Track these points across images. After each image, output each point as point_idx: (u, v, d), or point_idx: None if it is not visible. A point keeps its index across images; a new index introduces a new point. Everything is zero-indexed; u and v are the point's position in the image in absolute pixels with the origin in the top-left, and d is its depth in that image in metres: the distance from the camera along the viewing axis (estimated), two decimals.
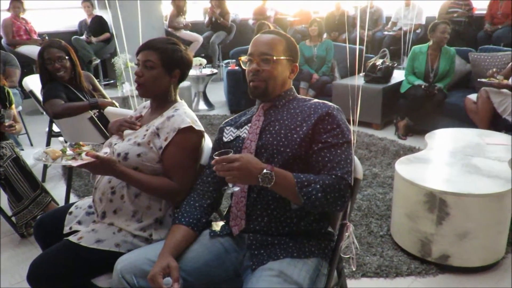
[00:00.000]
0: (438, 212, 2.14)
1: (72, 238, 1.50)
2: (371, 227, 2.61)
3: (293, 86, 1.56)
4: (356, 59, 2.82)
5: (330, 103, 1.45)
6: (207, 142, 1.72)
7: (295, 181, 1.26)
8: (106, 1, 3.29)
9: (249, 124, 1.49)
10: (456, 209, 2.11)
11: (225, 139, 1.54)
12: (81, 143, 1.57)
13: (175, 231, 1.42)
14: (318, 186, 1.26)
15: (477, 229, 2.13)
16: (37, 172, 3.23)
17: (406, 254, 2.34)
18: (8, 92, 2.77)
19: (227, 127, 1.57)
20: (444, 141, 2.88)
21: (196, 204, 1.49)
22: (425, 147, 2.83)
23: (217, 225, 1.50)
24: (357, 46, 3.21)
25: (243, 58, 1.50)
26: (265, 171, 1.22)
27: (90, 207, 1.69)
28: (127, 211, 1.56)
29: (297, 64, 1.53)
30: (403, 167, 2.40)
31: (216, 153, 1.26)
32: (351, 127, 1.46)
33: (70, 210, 1.71)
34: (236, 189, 1.30)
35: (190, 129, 1.55)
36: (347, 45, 4.52)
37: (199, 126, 1.59)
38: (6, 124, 2.51)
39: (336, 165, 1.31)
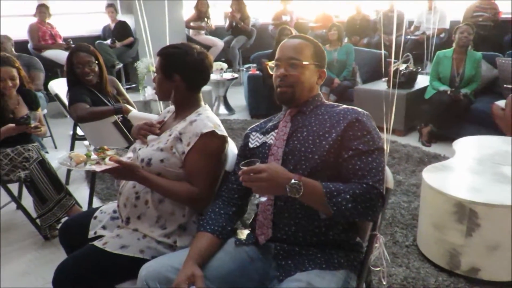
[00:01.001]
0: (467, 223, 2.07)
1: (97, 243, 1.50)
2: (396, 236, 2.55)
3: (320, 92, 1.53)
4: (382, 64, 2.73)
5: (360, 109, 1.41)
6: (231, 148, 1.70)
7: (324, 191, 1.23)
8: (137, 1, 3.28)
9: (276, 130, 1.46)
10: (486, 220, 2.04)
11: (251, 145, 1.51)
12: (105, 147, 1.58)
13: (200, 238, 1.40)
14: (348, 196, 1.22)
15: (509, 242, 2.05)
16: (61, 175, 3.27)
17: (433, 265, 2.27)
18: (35, 95, 2.82)
19: (253, 133, 1.54)
20: (472, 148, 2.80)
21: (221, 212, 1.47)
22: (453, 155, 2.76)
23: (243, 233, 1.48)
24: (382, 51, 3.12)
25: (270, 63, 1.48)
26: (293, 181, 1.19)
27: (114, 212, 1.69)
28: (151, 217, 1.55)
29: (325, 70, 1.50)
30: (431, 175, 2.34)
31: (242, 163, 1.24)
32: (384, 135, 1.42)
33: (95, 215, 1.71)
34: (263, 199, 1.29)
35: (212, 133, 1.53)
36: (369, 49, 4.46)
37: (222, 131, 1.58)
38: (32, 125, 2.54)
39: (367, 173, 1.27)
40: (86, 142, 1.62)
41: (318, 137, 1.35)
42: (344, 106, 1.44)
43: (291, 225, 1.35)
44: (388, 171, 1.41)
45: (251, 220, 1.52)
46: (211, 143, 1.54)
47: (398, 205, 2.93)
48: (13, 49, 4.43)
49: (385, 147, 1.36)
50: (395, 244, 2.49)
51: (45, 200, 2.55)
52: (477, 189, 2.17)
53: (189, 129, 1.55)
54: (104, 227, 1.65)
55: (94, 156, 1.52)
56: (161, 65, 1.63)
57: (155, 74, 1.66)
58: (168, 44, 2.90)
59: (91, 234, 1.64)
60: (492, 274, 2.11)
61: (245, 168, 1.21)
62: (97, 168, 1.42)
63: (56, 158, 1.59)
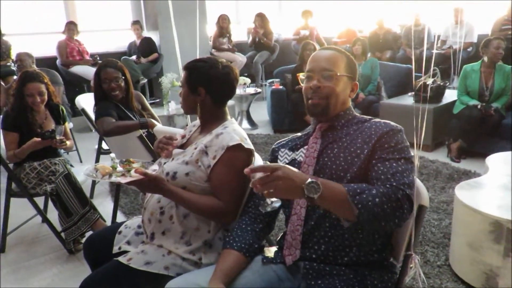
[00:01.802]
0: (505, 243, 1.96)
1: (121, 259, 1.47)
2: (427, 256, 2.44)
3: (351, 105, 1.47)
4: (412, 79, 2.66)
5: (393, 123, 1.34)
6: (258, 162, 1.66)
7: (345, 189, 1.15)
8: (171, 18, 3.34)
9: (306, 147, 1.41)
10: None
11: (279, 162, 1.46)
12: (131, 159, 1.57)
13: (226, 256, 1.36)
14: (373, 192, 1.14)
15: None
16: (86, 189, 3.29)
17: (468, 287, 2.16)
18: (62, 110, 2.86)
19: (282, 149, 1.49)
20: (506, 165, 2.68)
21: (248, 228, 1.43)
22: (484, 171, 2.65)
23: (270, 251, 1.43)
24: (412, 65, 3.05)
25: (301, 74, 1.43)
26: (309, 180, 1.10)
27: (139, 227, 1.67)
28: (175, 232, 1.52)
29: (357, 82, 1.44)
30: (464, 193, 2.24)
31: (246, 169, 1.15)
32: (414, 151, 1.35)
33: (119, 230, 1.70)
34: (277, 205, 1.18)
35: (239, 147, 1.50)
36: (394, 63, 4.39)
37: (248, 144, 1.54)
38: (57, 139, 2.56)
39: (390, 176, 1.19)
40: (112, 154, 1.60)
41: (349, 154, 1.30)
42: (377, 119, 1.38)
43: (321, 244, 1.29)
44: (422, 187, 1.35)
45: (279, 238, 1.47)
46: (237, 157, 1.50)
47: (429, 223, 2.82)
48: (33, 65, 4.42)
49: (415, 162, 1.29)
50: (426, 263, 2.38)
51: (70, 214, 2.56)
52: None
53: (215, 142, 1.52)
54: (128, 243, 1.63)
55: (120, 168, 1.51)
56: (186, 78, 1.62)
57: (181, 89, 1.65)
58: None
59: (115, 249, 1.62)
60: None
61: (255, 166, 1.11)
62: (123, 180, 1.41)
63: (82, 171, 1.58)
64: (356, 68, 1.45)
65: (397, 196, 1.14)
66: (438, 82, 4.59)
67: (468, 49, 6.58)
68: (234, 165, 1.50)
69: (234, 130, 1.56)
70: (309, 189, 1.09)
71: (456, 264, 2.27)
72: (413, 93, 4.64)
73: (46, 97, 2.70)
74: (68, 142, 2.67)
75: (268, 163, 1.15)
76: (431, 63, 6.44)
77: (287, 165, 1.13)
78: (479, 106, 3.94)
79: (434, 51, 6.73)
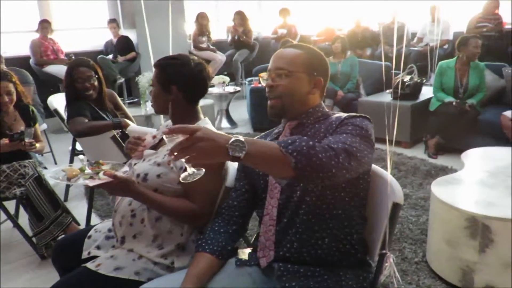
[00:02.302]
0: (481, 239, 1.97)
1: (90, 265, 1.42)
2: (405, 252, 2.45)
3: (322, 102, 1.44)
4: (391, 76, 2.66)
5: (360, 114, 1.31)
6: (232, 162, 1.62)
7: (276, 143, 1.06)
8: (144, 17, 3.27)
9: None
10: (501, 236, 1.94)
11: None
12: (101, 161, 1.51)
13: (199, 259, 1.32)
14: (305, 138, 1.07)
15: None
16: (60, 191, 3.21)
17: (445, 283, 2.16)
18: (32, 111, 2.76)
19: None
20: (482, 160, 2.71)
21: (221, 230, 1.39)
22: (462, 167, 2.67)
23: (244, 253, 1.40)
24: (390, 63, 3.06)
25: (262, 74, 1.41)
26: (233, 139, 0.98)
27: (110, 230, 1.61)
28: (147, 236, 1.47)
29: (321, 78, 1.38)
30: (441, 189, 2.25)
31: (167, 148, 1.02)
32: (387, 147, 1.33)
33: (89, 234, 1.64)
34: (199, 174, 1.06)
35: None
36: (372, 61, 4.41)
37: None
38: (27, 141, 2.48)
39: (333, 139, 1.15)
40: (81, 156, 1.55)
41: None
42: (346, 114, 1.34)
43: (293, 242, 1.26)
44: (396, 184, 1.33)
45: (253, 240, 1.43)
46: None
47: (406, 219, 2.83)
48: (1, 65, 4.19)
49: (388, 157, 1.27)
50: (403, 260, 2.38)
51: (41, 218, 2.48)
52: (490, 203, 2.08)
53: None
54: (98, 247, 1.58)
55: (88, 170, 1.45)
56: (157, 76, 1.57)
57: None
58: None
59: (84, 254, 1.56)
60: None
61: (172, 126, 1.00)
62: (91, 183, 1.35)
63: (49, 174, 1.52)
64: (321, 63, 1.39)
65: (331, 147, 1.09)
66: (415, 79, 4.62)
67: (444, 47, 6.66)
68: (208, 167, 1.45)
69: None
70: (234, 148, 0.98)
71: (433, 261, 2.28)
72: (391, 90, 4.67)
73: (14, 97, 2.61)
74: (38, 145, 2.58)
75: (190, 125, 1.01)
76: (409, 61, 6.52)
77: (207, 128, 1.02)
78: (454, 103, 3.99)
79: (411, 48, 6.81)
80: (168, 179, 1.46)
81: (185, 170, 1.07)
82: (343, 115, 1.32)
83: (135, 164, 1.56)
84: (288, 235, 1.27)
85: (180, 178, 1.08)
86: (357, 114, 1.29)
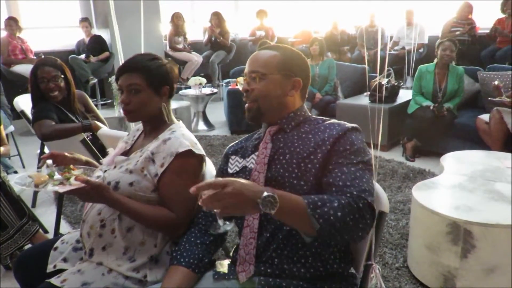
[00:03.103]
0: (462, 244, 1.95)
1: (54, 280, 1.31)
2: (385, 258, 2.41)
3: (304, 105, 1.38)
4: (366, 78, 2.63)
5: (346, 123, 1.26)
6: (209, 168, 1.54)
7: (305, 202, 1.04)
8: (113, 16, 3.15)
9: (256, 153, 1.30)
10: (482, 241, 1.92)
11: (230, 171, 1.36)
12: (71, 166, 1.40)
13: (173, 273, 1.23)
14: (335, 204, 1.04)
15: (507, 264, 1.93)
16: (27, 197, 3.04)
17: None
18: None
19: (232, 156, 1.39)
20: (460, 164, 2.70)
21: (197, 241, 1.30)
22: (440, 170, 2.66)
23: (222, 265, 1.31)
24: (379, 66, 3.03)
25: (240, 79, 1.34)
26: (265, 193, 0.98)
27: (78, 241, 1.50)
28: (118, 248, 1.37)
29: (300, 79, 1.32)
30: (421, 194, 2.22)
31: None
32: (371, 151, 1.28)
33: (55, 245, 1.52)
34: (229, 227, 1.07)
35: (189, 153, 1.37)
36: (349, 64, 4.40)
37: (199, 149, 1.42)
38: None
39: (349, 183, 1.10)
40: (49, 161, 1.42)
41: (303, 160, 1.20)
42: (331, 121, 1.29)
43: (274, 258, 1.19)
44: (382, 192, 1.28)
45: (232, 251, 1.35)
46: (188, 164, 1.38)
47: (386, 223, 2.80)
48: None
49: (373, 163, 1.22)
50: (384, 266, 2.35)
51: (5, 227, 2.32)
52: (471, 208, 2.06)
53: (163, 148, 1.38)
54: (65, 260, 1.46)
55: (58, 176, 1.34)
56: (147, 81, 1.42)
57: (122, 97, 1.43)
58: None
59: (50, 268, 1.45)
60: None
61: (200, 183, 0.99)
62: (61, 189, 1.24)
63: (14, 179, 1.39)
64: (299, 64, 1.33)
65: (358, 206, 1.06)
66: (393, 82, 4.64)
67: (420, 50, 6.75)
68: (184, 173, 1.37)
69: (183, 135, 1.43)
70: (265, 203, 0.97)
71: (415, 266, 2.25)
72: (368, 93, 4.67)
73: None
74: (2, 148, 2.43)
75: (220, 179, 1.02)
76: (385, 64, 6.58)
77: (237, 179, 1.01)
78: (431, 107, 4.00)
79: (388, 52, 6.87)
80: (141, 187, 1.36)
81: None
82: (332, 125, 1.26)
83: (105, 171, 1.45)
84: (269, 250, 1.20)
85: (210, 229, 1.13)
86: (349, 127, 1.24)
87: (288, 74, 1.29)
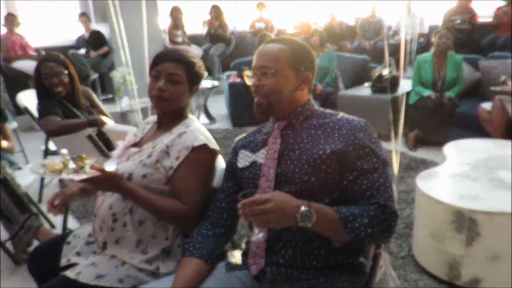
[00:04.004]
0: (467, 232, 1.98)
1: (69, 273, 1.33)
2: (391, 247, 2.44)
3: (311, 98, 1.39)
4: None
5: (355, 119, 1.27)
6: (219, 162, 1.56)
7: (338, 216, 1.10)
8: (111, 11, 3.15)
9: (266, 148, 1.31)
10: (487, 229, 1.94)
11: (240, 165, 1.37)
12: (83, 156, 1.40)
13: (186, 264, 1.25)
14: (365, 220, 1.10)
15: (511, 250, 1.96)
16: (33, 192, 3.06)
17: (432, 277, 2.16)
18: (1, 109, 2.62)
19: (242, 150, 1.40)
20: (463, 153, 2.72)
21: (209, 233, 1.33)
22: (442, 160, 2.68)
23: (234, 256, 1.34)
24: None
25: (247, 72, 1.34)
26: (303, 208, 1.05)
27: (90, 235, 1.53)
28: (130, 241, 1.39)
29: (309, 73, 1.33)
30: (426, 183, 2.24)
31: (240, 194, 1.09)
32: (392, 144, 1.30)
33: (68, 240, 1.55)
34: (261, 235, 1.15)
35: (204, 147, 1.40)
36: (350, 54, 4.40)
37: (213, 144, 1.45)
38: None
39: (376, 192, 1.15)
40: (63, 150, 1.42)
41: (312, 156, 1.21)
42: (339, 115, 1.30)
43: (288, 248, 1.21)
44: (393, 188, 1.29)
45: (244, 242, 1.37)
46: (202, 158, 1.41)
47: None
48: None
49: (394, 156, 1.25)
50: (390, 255, 2.37)
51: (11, 222, 2.34)
52: (475, 196, 2.08)
53: (178, 142, 1.40)
54: (78, 254, 1.49)
55: (72, 165, 1.35)
56: (187, 75, 1.46)
57: (159, 84, 1.44)
58: (146, 52, 2.74)
59: (63, 262, 1.47)
60: (494, 285, 2.02)
61: (245, 200, 1.05)
62: (76, 177, 1.25)
63: (28, 167, 1.40)
64: (307, 57, 1.33)
65: (385, 217, 1.13)
66: (393, 73, 4.64)
67: (420, 40, 6.73)
68: (198, 166, 1.40)
69: (198, 130, 1.45)
70: (303, 218, 1.05)
71: (420, 255, 2.28)
72: (369, 83, 4.67)
73: None
74: (6, 143, 2.44)
75: (257, 192, 1.13)
76: (386, 54, 6.56)
77: (279, 193, 1.09)
78: (433, 97, 4.02)
79: (389, 41, 6.86)
80: (153, 180, 1.39)
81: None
82: (341, 122, 1.26)
83: (118, 163, 1.47)
84: (281, 241, 1.22)
85: (250, 239, 1.20)
86: (358, 125, 1.24)
87: (298, 68, 1.29)
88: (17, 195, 2.35)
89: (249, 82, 1.33)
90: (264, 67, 1.28)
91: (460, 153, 2.73)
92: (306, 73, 1.31)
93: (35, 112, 2.70)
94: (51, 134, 2.40)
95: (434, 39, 4.18)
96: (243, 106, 5.20)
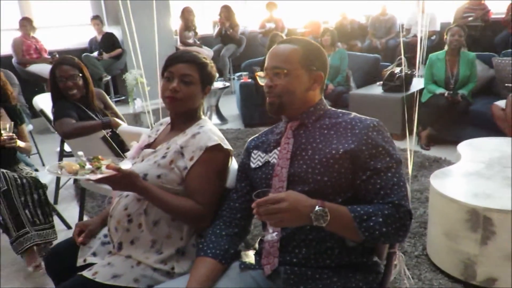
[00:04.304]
0: (482, 231, 1.96)
1: (86, 273, 1.36)
2: (404, 246, 2.43)
3: (323, 98, 1.39)
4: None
5: (367, 118, 1.27)
6: (234, 164, 1.57)
7: (352, 216, 1.10)
8: (122, 14, 3.20)
9: (279, 148, 1.32)
10: (502, 228, 1.92)
11: (252, 165, 1.38)
12: (99, 156, 1.43)
13: (200, 264, 1.27)
14: (380, 219, 1.10)
15: None
16: (50, 194, 3.11)
17: (447, 276, 2.15)
18: (20, 111, 2.66)
19: (255, 151, 1.41)
20: (477, 152, 2.70)
21: (223, 233, 1.34)
22: (454, 158, 2.65)
23: (248, 256, 1.34)
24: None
25: (259, 73, 1.35)
26: (317, 207, 1.06)
27: (105, 236, 1.55)
28: (145, 241, 1.41)
29: (321, 73, 1.33)
30: (439, 182, 2.22)
31: (254, 193, 1.10)
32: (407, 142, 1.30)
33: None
34: (275, 234, 1.17)
35: (218, 147, 1.41)
36: (361, 53, 4.38)
37: (227, 144, 1.46)
38: (4, 135, 2.32)
39: (390, 191, 1.15)
40: (80, 152, 1.44)
41: (325, 156, 1.22)
42: (351, 116, 1.30)
43: (302, 247, 1.22)
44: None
45: (257, 242, 1.38)
46: (216, 158, 1.42)
47: None
48: None
49: (408, 155, 1.25)
50: (404, 254, 2.36)
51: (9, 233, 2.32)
52: (489, 195, 2.06)
53: (192, 142, 1.42)
54: (94, 254, 1.51)
55: (88, 165, 1.37)
56: (200, 75, 1.48)
57: (172, 84, 1.45)
58: (157, 55, 2.76)
59: (80, 262, 1.49)
60: (510, 285, 1.99)
61: (259, 199, 1.06)
62: (93, 177, 1.28)
63: (46, 168, 1.42)
64: (320, 57, 1.34)
65: (400, 216, 1.13)
66: (406, 71, 4.61)
67: (432, 38, 6.67)
68: (213, 167, 1.42)
69: (211, 130, 1.47)
70: (317, 217, 1.07)
71: (434, 254, 2.26)
72: (381, 82, 4.65)
73: None
74: (23, 143, 2.45)
75: (271, 192, 1.14)
76: (398, 52, 6.52)
77: (293, 193, 1.10)
78: (446, 94, 3.98)
79: (401, 39, 6.80)
80: (168, 180, 1.40)
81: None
82: (353, 121, 1.26)
83: (133, 163, 1.49)
84: (295, 240, 1.23)
85: (264, 238, 1.23)
86: (371, 124, 1.24)
87: (311, 68, 1.30)
88: (15, 210, 2.28)
89: (261, 82, 1.34)
90: (276, 68, 1.29)
91: (475, 152, 2.70)
92: (318, 73, 1.32)
93: (50, 115, 2.74)
94: (66, 136, 2.43)
95: (446, 37, 4.13)
96: (254, 107, 5.21)
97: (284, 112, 1.33)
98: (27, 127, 3.87)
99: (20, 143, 2.47)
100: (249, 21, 8.20)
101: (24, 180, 2.35)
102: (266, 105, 1.33)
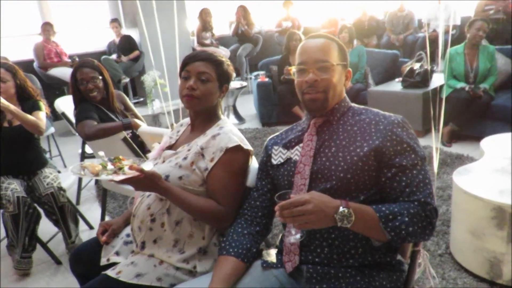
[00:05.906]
0: (509, 229, 1.91)
1: (110, 272, 1.37)
2: (427, 245, 2.39)
3: (346, 95, 1.38)
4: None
5: (391, 115, 1.25)
6: (255, 163, 1.57)
7: (377, 216, 1.09)
8: (141, 16, 3.23)
9: (301, 144, 1.31)
10: None
11: (274, 162, 1.37)
12: (120, 157, 1.44)
13: (223, 263, 1.27)
14: (406, 218, 1.08)
15: None
16: (72, 194, 3.17)
17: (472, 275, 2.10)
18: (34, 101, 2.62)
19: (275, 147, 1.40)
20: (501, 147, 2.63)
21: (245, 232, 1.34)
22: (481, 155, 2.59)
23: (269, 254, 1.34)
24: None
25: (293, 68, 1.33)
26: (341, 209, 1.04)
27: (128, 235, 1.57)
28: (167, 241, 1.42)
29: (350, 69, 1.34)
30: (463, 179, 2.18)
31: (276, 195, 1.09)
32: (433, 139, 1.28)
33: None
34: (298, 236, 1.16)
35: (238, 148, 1.41)
36: (379, 50, 4.32)
37: (247, 145, 1.46)
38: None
39: (415, 189, 1.13)
40: (101, 153, 1.46)
41: (349, 153, 1.20)
42: (374, 112, 1.28)
43: (324, 247, 1.21)
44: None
45: (279, 240, 1.38)
46: (237, 158, 1.42)
47: None
48: None
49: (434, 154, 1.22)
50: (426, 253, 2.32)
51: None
52: None
53: (212, 144, 1.43)
54: (117, 253, 1.53)
55: (110, 166, 1.39)
56: (216, 73, 1.48)
57: (189, 83, 1.46)
58: (177, 55, 2.78)
59: (103, 261, 1.52)
60: None
61: (283, 202, 1.05)
62: (116, 178, 1.29)
63: (70, 168, 1.45)
64: (347, 54, 1.35)
65: (426, 214, 1.12)
66: (425, 67, 4.53)
67: (452, 32, 6.55)
68: (233, 167, 1.42)
69: (231, 131, 1.47)
70: (342, 219, 1.05)
71: (458, 253, 2.22)
72: (400, 78, 4.58)
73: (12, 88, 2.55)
74: (31, 117, 2.44)
75: (293, 192, 1.13)
76: (416, 48, 6.42)
77: (317, 194, 1.07)
78: (467, 88, 3.90)
79: (417, 34, 6.70)
80: (189, 181, 1.41)
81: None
82: (377, 118, 1.24)
83: (155, 165, 1.51)
84: (317, 239, 1.22)
85: (285, 239, 1.23)
86: (395, 121, 1.22)
87: (345, 64, 1.31)
88: (17, 233, 2.38)
89: (299, 78, 1.29)
90: (321, 61, 1.25)
91: (499, 148, 2.63)
92: (348, 70, 1.33)
93: (72, 117, 2.79)
94: (88, 138, 2.46)
95: (469, 30, 4.05)
96: (272, 106, 5.21)
97: (324, 108, 1.29)
98: (49, 130, 3.96)
99: (29, 116, 2.45)
100: (265, 20, 8.20)
101: (35, 205, 2.44)
102: (305, 101, 1.29)
